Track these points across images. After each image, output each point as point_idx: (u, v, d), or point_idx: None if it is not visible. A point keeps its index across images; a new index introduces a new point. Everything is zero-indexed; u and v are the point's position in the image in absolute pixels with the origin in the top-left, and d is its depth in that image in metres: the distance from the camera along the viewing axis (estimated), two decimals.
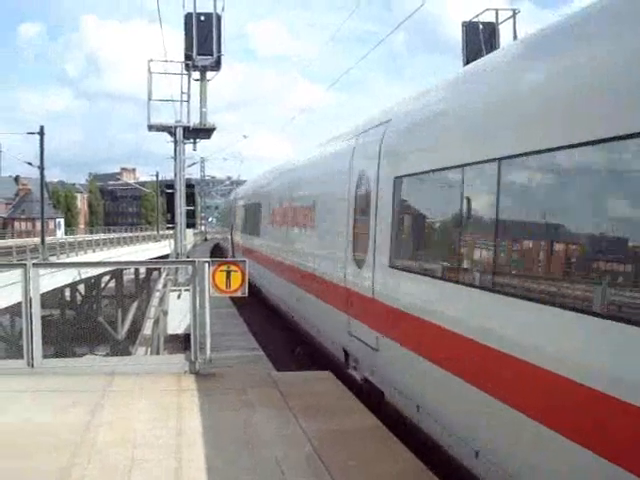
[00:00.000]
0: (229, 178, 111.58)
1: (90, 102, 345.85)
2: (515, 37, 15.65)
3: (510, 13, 16.35)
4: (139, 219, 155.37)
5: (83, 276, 41.42)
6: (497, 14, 16.30)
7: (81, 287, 51.51)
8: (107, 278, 54.46)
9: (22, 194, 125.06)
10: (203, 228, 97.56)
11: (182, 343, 13.82)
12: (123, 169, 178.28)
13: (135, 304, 51.87)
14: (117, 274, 52.84)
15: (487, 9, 16.47)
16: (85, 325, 41.52)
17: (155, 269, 40.00)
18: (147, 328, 17.27)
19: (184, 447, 7.28)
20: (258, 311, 21.86)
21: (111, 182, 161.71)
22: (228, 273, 10.68)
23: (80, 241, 56.24)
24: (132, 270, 55.77)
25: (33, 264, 10.74)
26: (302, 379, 10.58)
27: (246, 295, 11.02)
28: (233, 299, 19.20)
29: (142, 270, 54.96)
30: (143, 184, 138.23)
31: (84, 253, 51.10)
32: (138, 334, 18.77)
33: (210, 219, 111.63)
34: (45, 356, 10.58)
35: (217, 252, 52.57)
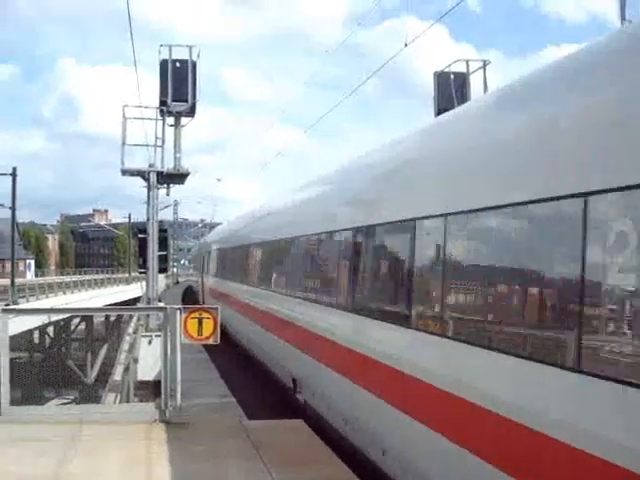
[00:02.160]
0: (202, 221, 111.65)
1: (64, 144, 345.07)
2: (485, 87, 16.01)
3: (480, 64, 16.77)
4: (111, 261, 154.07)
5: (53, 319, 40.81)
6: (468, 65, 16.66)
7: (50, 329, 50.76)
8: (77, 320, 53.73)
9: None
10: (175, 270, 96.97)
11: (152, 389, 13.64)
12: (95, 211, 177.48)
13: (105, 347, 51.14)
14: (87, 317, 52.13)
15: (458, 60, 16.84)
16: (53, 369, 40.76)
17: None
18: (117, 374, 17.01)
19: None
20: (229, 357, 21.69)
21: (83, 223, 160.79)
22: (200, 320, 10.63)
23: (50, 283, 55.55)
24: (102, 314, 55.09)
25: (2, 310, 10.60)
26: (274, 427, 10.49)
27: (218, 343, 10.96)
28: (205, 345, 19.06)
29: (113, 314, 54.33)
30: (115, 226, 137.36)
31: (54, 295, 50.43)
32: (107, 378, 18.50)
33: (182, 261, 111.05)
34: (12, 401, 10.39)
35: (189, 295, 52.20)
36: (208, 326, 10.68)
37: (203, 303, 32.58)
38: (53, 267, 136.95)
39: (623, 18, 11.62)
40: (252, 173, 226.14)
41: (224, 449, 9.08)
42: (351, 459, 9.03)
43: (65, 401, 34.99)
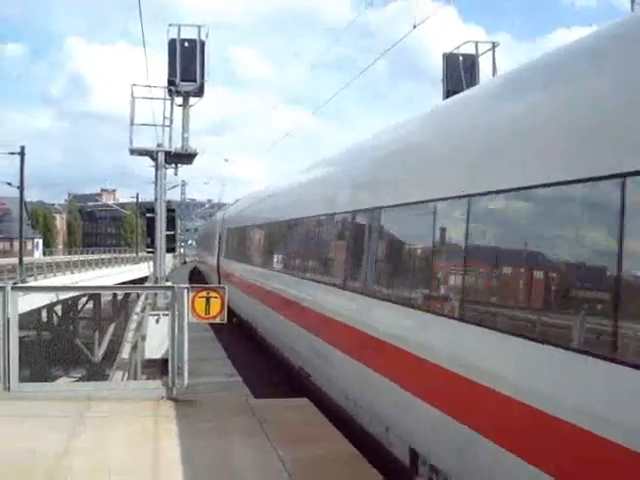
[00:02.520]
0: (209, 201, 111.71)
1: (72, 122, 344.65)
2: (494, 69, 15.95)
3: (490, 46, 16.69)
4: (118, 241, 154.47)
5: (61, 297, 41.07)
6: (477, 46, 16.59)
7: (58, 308, 51.05)
8: (84, 299, 54.03)
9: (0, 213, 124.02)
10: (182, 251, 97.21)
11: (159, 367, 13.76)
12: (103, 190, 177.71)
13: (112, 326, 51.45)
14: (95, 296, 52.42)
15: (467, 41, 16.76)
16: (61, 347, 41.07)
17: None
18: (125, 352, 17.15)
19: (161, 474, 7.28)
20: (236, 336, 21.82)
21: (91, 203, 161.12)
22: (207, 299, 10.71)
23: (58, 262, 55.82)
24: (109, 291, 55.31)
25: (12, 287, 10.70)
26: (279, 406, 10.59)
27: (225, 322, 11.05)
28: (212, 324, 19.19)
29: (120, 292, 54.60)
30: (123, 206, 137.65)
31: (62, 274, 50.69)
32: (115, 357, 18.64)
33: (190, 242, 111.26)
34: (20, 379, 10.52)
35: (196, 275, 52.40)
36: (215, 305, 10.77)
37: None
38: (61, 246, 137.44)
39: (633, 1, 11.58)
40: (260, 153, 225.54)
41: (230, 426, 9.19)
42: (356, 436, 9.13)
43: (73, 379, 35.26)
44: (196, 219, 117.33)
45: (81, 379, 34.93)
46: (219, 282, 28.18)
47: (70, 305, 52.33)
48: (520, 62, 7.64)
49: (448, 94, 15.60)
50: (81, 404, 9.98)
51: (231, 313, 13.58)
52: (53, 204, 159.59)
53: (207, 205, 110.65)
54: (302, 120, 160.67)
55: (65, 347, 41.69)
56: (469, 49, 16.66)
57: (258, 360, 18.13)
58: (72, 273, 52.73)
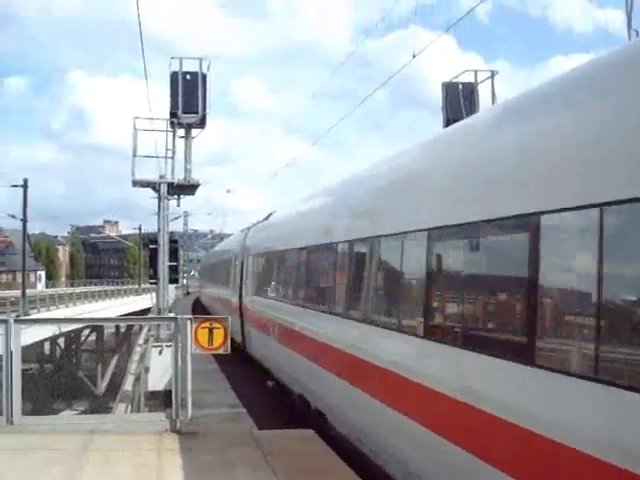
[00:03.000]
0: (212, 231, 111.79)
1: (75, 155, 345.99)
2: (494, 97, 16.08)
3: (489, 74, 16.85)
4: (121, 272, 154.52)
5: (63, 330, 40.96)
6: (476, 75, 16.76)
7: (61, 340, 50.87)
8: (87, 332, 53.87)
9: (3, 246, 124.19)
10: (185, 282, 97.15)
11: (163, 399, 13.69)
12: (106, 222, 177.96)
13: (115, 358, 51.24)
14: (97, 328, 52.31)
15: (466, 70, 16.94)
16: (64, 380, 40.87)
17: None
18: (128, 384, 17.09)
19: None
20: (240, 367, 21.71)
21: (93, 235, 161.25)
22: (211, 330, 10.68)
23: (61, 294, 55.75)
24: (113, 324, 55.23)
25: (15, 320, 10.70)
26: (284, 437, 10.50)
27: (229, 353, 11.00)
28: (215, 355, 19.09)
29: (123, 324, 54.51)
30: (126, 237, 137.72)
31: (65, 307, 50.60)
32: (118, 389, 18.57)
33: (192, 272, 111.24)
34: (23, 412, 10.46)
35: (198, 307, 52.29)
36: (219, 336, 10.73)
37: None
38: (63, 278, 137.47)
39: (630, 28, 11.67)
40: (261, 184, 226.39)
41: (234, 459, 9.11)
42: (363, 470, 9.04)
43: (76, 412, 35.04)
44: (199, 250, 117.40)
45: (84, 412, 34.70)
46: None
47: (73, 337, 52.18)
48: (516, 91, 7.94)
49: (448, 122, 15.73)
50: (84, 437, 9.90)
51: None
52: (56, 236, 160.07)
53: (209, 236, 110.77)
54: (302, 151, 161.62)
55: (68, 380, 41.49)
56: (468, 78, 16.84)
57: (262, 391, 18.02)
58: (75, 305, 52.63)
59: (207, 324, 10.79)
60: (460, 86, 16.72)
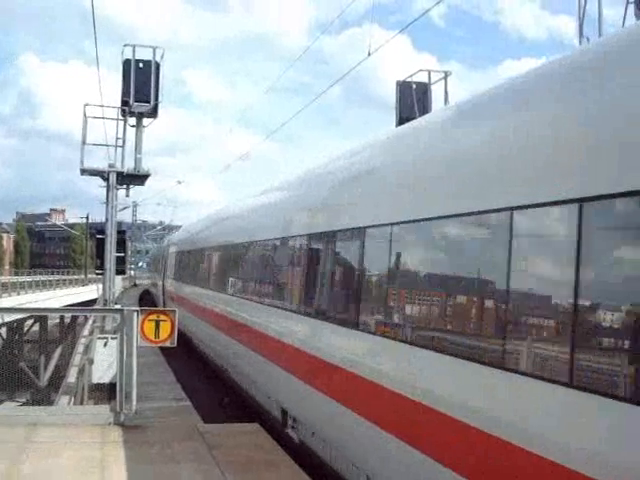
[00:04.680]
0: (161, 223, 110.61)
1: (22, 140, 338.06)
2: (446, 97, 16.24)
3: (442, 74, 17.01)
4: (67, 262, 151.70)
5: (6, 319, 40.09)
6: (429, 75, 16.90)
7: (2, 330, 49.76)
8: (30, 322, 52.80)
9: None
10: (132, 273, 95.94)
11: (107, 392, 13.50)
12: (52, 210, 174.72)
13: (59, 350, 50.35)
14: (41, 318, 51.29)
15: (420, 70, 17.06)
16: (5, 371, 40.00)
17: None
18: (71, 376, 16.81)
19: None
20: (186, 360, 21.56)
21: (39, 223, 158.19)
22: (157, 323, 10.57)
23: (5, 283, 54.54)
24: (57, 314, 54.24)
25: None
26: (229, 431, 10.47)
27: (175, 345, 10.91)
28: (162, 348, 18.92)
29: (68, 315, 53.57)
30: (72, 226, 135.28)
31: (8, 295, 49.51)
32: (61, 381, 18.25)
33: (140, 264, 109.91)
34: None
35: (147, 298, 51.72)
36: (165, 328, 10.63)
37: None
38: (7, 267, 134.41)
39: (581, 35, 11.91)
40: (213, 176, 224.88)
41: (179, 452, 9.05)
42: (308, 462, 9.07)
43: (17, 404, 34.35)
44: (147, 241, 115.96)
45: (26, 404, 34.02)
46: (163, 304, 30.80)
47: (15, 328, 51.06)
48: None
49: (401, 121, 15.83)
50: (26, 430, 9.72)
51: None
52: (0, 223, 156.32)
53: (159, 227, 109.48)
54: (256, 143, 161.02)
55: (9, 371, 40.61)
56: (422, 77, 16.96)
57: (209, 385, 17.93)
58: (18, 294, 51.57)
59: (154, 316, 10.69)
60: (414, 86, 16.83)
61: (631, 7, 10.47)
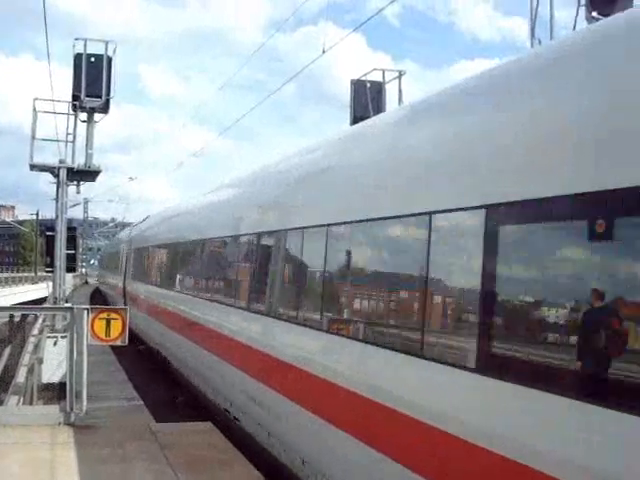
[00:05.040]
0: (113, 220, 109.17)
1: None
2: (401, 96, 16.33)
3: (397, 74, 17.10)
4: (16, 259, 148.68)
5: None
6: (384, 74, 16.97)
7: None
8: None
9: None
10: (84, 271, 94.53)
11: (57, 392, 13.29)
12: (1, 206, 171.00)
13: (8, 349, 49.31)
14: None
15: (375, 69, 17.13)
16: None
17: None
18: (20, 376, 16.47)
19: None
20: (138, 360, 21.33)
21: None
22: (108, 321, 10.42)
23: None
24: (6, 313, 53.08)
25: None
26: (182, 431, 10.36)
27: (126, 344, 10.77)
28: (113, 347, 18.65)
29: (17, 313, 52.46)
30: (22, 223, 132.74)
31: None
32: (10, 381, 17.88)
33: (92, 261, 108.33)
34: None
35: (98, 296, 51.01)
36: (116, 327, 10.48)
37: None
38: None
39: (532, 37, 12.10)
40: (167, 173, 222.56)
41: (130, 452, 8.93)
42: (263, 461, 9.05)
43: None
44: (99, 238, 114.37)
45: None
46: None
47: None
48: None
49: (355, 120, 15.87)
50: None
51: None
52: None
53: (111, 224, 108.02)
54: (210, 140, 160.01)
55: None
56: (377, 76, 17.02)
57: (161, 384, 17.76)
58: None
59: (104, 315, 10.52)
60: (368, 84, 16.89)
61: (582, 10, 10.66)
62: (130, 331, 10.93)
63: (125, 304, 25.32)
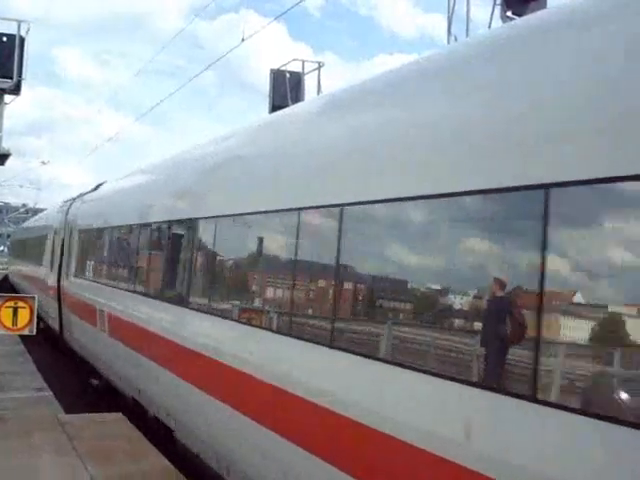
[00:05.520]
0: (24, 205, 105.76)
1: None
2: (319, 88, 16.45)
3: (316, 65, 17.22)
4: None
5: None
6: (303, 65, 17.09)
7: None
8: None
9: None
10: None
11: None
12: None
13: None
14: None
15: (294, 59, 17.22)
16: None
17: None
18: None
19: None
20: (49, 349, 20.80)
21: None
22: (15, 310, 10.13)
23: None
24: None
25: None
26: (91, 421, 10.20)
27: (34, 334, 10.50)
28: (22, 337, 18.11)
29: None
30: None
31: None
32: None
33: (1, 248, 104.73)
34: None
35: (6, 284, 49.37)
36: (24, 316, 10.20)
37: None
38: None
39: (449, 33, 12.36)
40: (82, 158, 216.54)
41: (38, 443, 8.75)
42: (173, 452, 9.00)
43: None
44: (9, 224, 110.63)
45: None
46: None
47: None
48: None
49: (274, 109, 15.89)
50: None
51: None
52: None
53: (22, 209, 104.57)
54: (127, 125, 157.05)
55: None
56: (296, 67, 17.10)
57: (70, 374, 17.38)
58: None
59: (11, 303, 10.23)
60: (287, 75, 16.95)
61: (498, 9, 10.96)
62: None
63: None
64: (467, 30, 12.47)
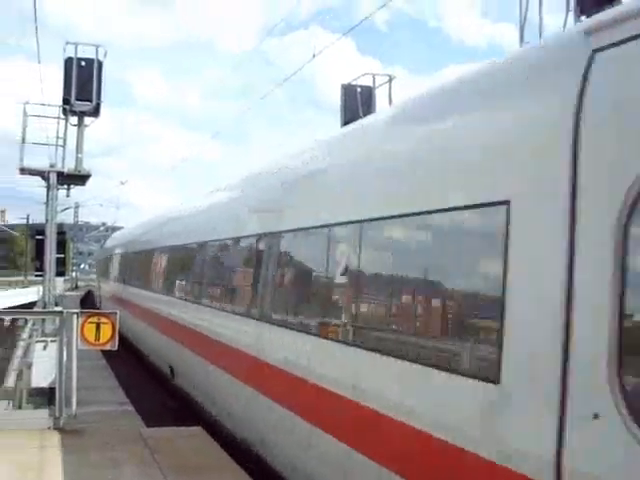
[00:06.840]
0: (104, 224, 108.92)
1: None
2: (390, 101, 16.41)
3: (386, 78, 17.20)
4: (7, 263, 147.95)
5: None
6: (374, 79, 17.07)
7: None
8: None
9: None
10: (74, 275, 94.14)
11: (47, 397, 13.22)
12: None
13: None
14: None
15: (365, 73, 17.23)
16: None
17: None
18: (10, 381, 16.40)
19: None
20: (130, 364, 21.26)
21: None
22: (98, 325, 10.40)
23: None
24: None
25: None
26: (172, 435, 10.35)
27: (116, 349, 10.75)
28: (104, 351, 18.56)
29: (7, 318, 52.24)
30: (13, 227, 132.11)
31: None
32: None
33: (82, 265, 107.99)
34: None
35: (89, 301, 50.81)
36: (106, 331, 10.46)
37: None
38: None
39: (522, 41, 12.17)
40: (158, 178, 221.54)
41: (120, 456, 8.92)
42: (251, 465, 9.04)
43: None
44: (90, 242, 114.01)
45: None
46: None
47: None
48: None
49: (346, 124, 15.93)
50: None
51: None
52: None
53: (102, 228, 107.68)
54: (201, 144, 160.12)
55: None
56: (367, 81, 17.12)
57: (152, 389, 17.71)
58: None
59: (94, 319, 10.51)
60: (358, 89, 16.99)
61: (571, 15, 10.73)
62: None
63: None
64: (540, 36, 12.25)
